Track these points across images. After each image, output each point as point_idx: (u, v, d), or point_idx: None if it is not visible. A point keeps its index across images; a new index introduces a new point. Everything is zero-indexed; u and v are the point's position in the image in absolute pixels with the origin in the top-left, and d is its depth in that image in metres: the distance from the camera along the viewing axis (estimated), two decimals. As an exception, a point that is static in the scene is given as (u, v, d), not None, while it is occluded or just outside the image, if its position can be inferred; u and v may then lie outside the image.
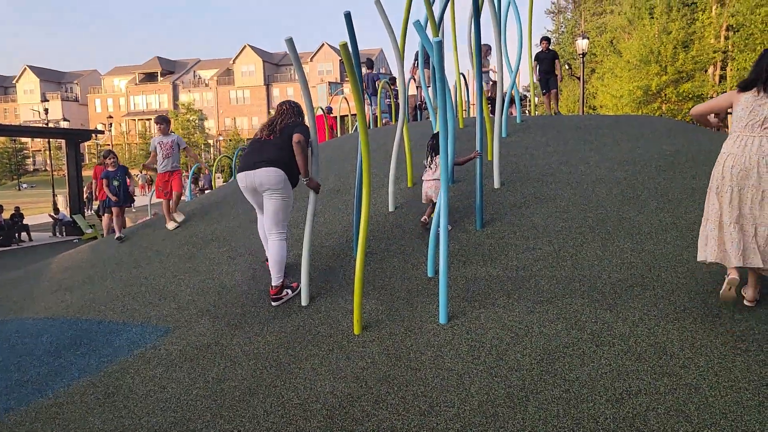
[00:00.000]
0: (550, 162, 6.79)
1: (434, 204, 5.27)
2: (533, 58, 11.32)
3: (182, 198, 8.27)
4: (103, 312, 5.23)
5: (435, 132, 5.64)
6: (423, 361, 3.57)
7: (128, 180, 8.22)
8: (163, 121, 7.64)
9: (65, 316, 5.30)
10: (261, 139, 4.82)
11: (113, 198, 7.93)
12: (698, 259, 3.77)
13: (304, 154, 4.64)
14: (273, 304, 4.70)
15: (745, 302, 3.69)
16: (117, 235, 7.73)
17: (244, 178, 4.76)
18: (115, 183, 7.95)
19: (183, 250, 6.44)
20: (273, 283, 4.68)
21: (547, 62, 11.81)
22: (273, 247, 4.71)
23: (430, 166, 5.46)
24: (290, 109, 4.95)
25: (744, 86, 3.67)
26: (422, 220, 5.45)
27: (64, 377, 4.19)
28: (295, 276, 5.00)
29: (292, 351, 3.96)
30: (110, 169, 8.07)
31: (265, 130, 4.85)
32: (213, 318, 4.68)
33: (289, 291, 4.79)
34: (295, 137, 4.60)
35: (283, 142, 4.69)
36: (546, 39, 12.06)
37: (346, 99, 16.03)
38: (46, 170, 67.31)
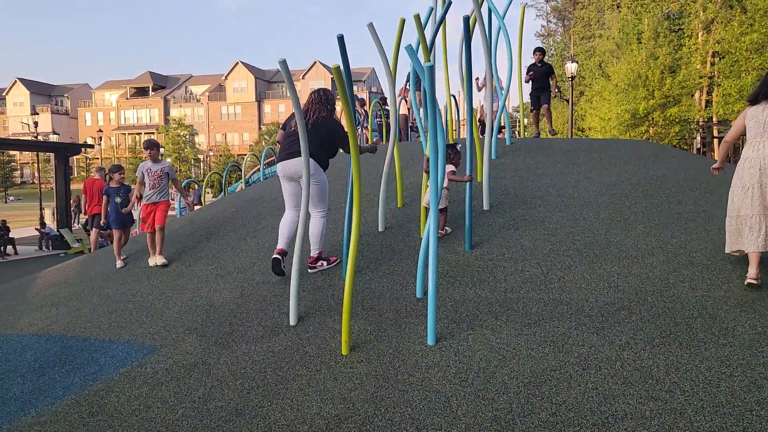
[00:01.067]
0: (539, 185, 6.85)
1: (441, 212, 5.58)
2: (526, 70, 10.69)
3: (172, 212, 8.17)
4: (88, 329, 5.18)
5: (451, 144, 5.95)
6: (411, 382, 3.57)
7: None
8: (152, 146, 6.81)
9: (50, 333, 5.25)
10: (294, 131, 5.28)
11: (104, 217, 7.46)
12: (726, 251, 4.54)
13: (345, 145, 5.30)
14: (309, 271, 5.46)
15: (749, 281, 4.17)
16: (118, 262, 6.97)
17: (281, 168, 5.38)
18: (117, 200, 7.39)
19: (171, 267, 6.42)
20: (311, 254, 5.44)
21: (540, 76, 10.50)
22: (313, 223, 5.40)
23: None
24: (319, 100, 5.44)
25: (751, 101, 4.46)
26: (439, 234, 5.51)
27: (47, 395, 4.14)
28: (335, 252, 5.79)
29: (279, 371, 3.95)
30: (113, 185, 7.51)
31: (290, 124, 5.48)
32: (200, 336, 4.65)
33: (325, 263, 5.52)
34: (332, 136, 5.33)
35: (313, 134, 5.18)
36: (540, 50, 10.53)
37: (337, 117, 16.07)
38: (33, 183, 66.87)
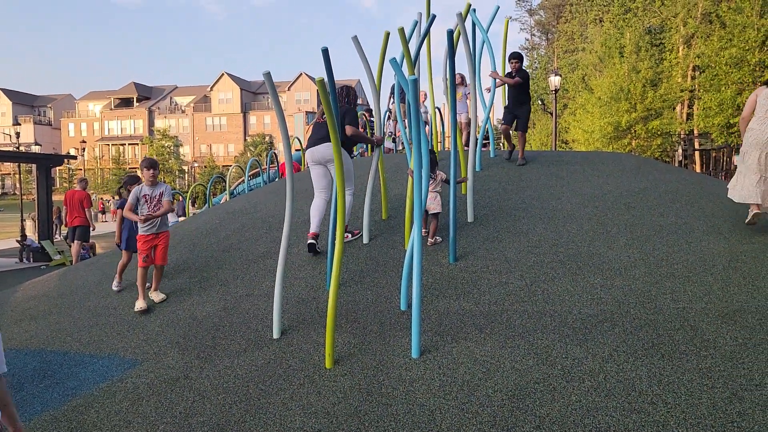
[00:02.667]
0: (523, 197, 6.89)
1: (432, 216, 5.82)
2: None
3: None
4: (68, 343, 5.10)
5: (429, 148, 6.03)
6: (395, 396, 3.55)
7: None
8: (152, 165, 5.83)
9: (29, 347, 5.16)
10: (319, 122, 6.03)
11: (117, 236, 6.42)
12: (728, 196, 5.58)
13: (358, 136, 6.13)
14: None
15: (748, 222, 5.39)
16: (115, 283, 6.34)
17: (310, 154, 6.01)
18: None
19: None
20: None
21: (516, 87, 8.21)
22: (319, 203, 6.03)
23: (431, 180, 5.81)
24: (341, 94, 6.13)
25: (766, 83, 5.59)
26: (428, 242, 5.85)
27: (25, 411, 4.06)
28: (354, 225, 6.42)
29: (262, 385, 3.91)
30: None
31: (323, 116, 5.94)
32: (182, 350, 4.60)
33: (350, 235, 6.11)
34: (348, 130, 5.88)
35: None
36: (516, 56, 8.24)
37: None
38: (15, 194, 66.01)
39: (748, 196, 5.38)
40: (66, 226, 12.35)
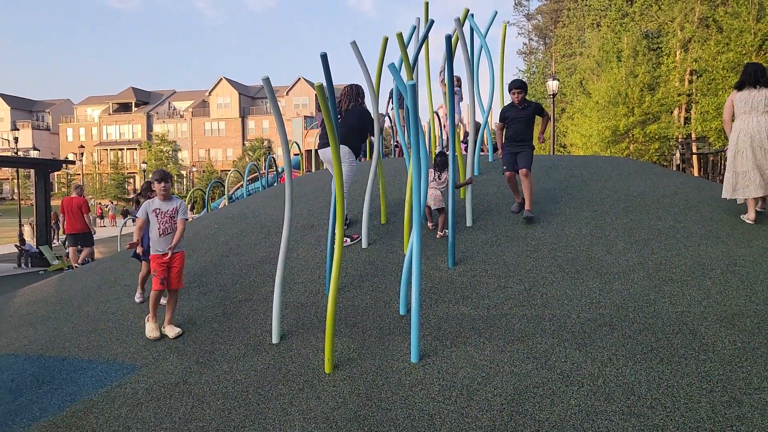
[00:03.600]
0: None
1: (439, 211, 6.12)
2: (500, 118, 6.65)
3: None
4: (67, 348, 5.09)
5: (439, 151, 6.77)
6: (394, 401, 3.55)
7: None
8: (164, 178, 5.19)
9: (28, 353, 5.15)
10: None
11: (139, 244, 5.43)
12: (727, 197, 5.99)
13: (371, 128, 6.33)
14: None
15: (748, 221, 5.80)
16: (139, 296, 5.92)
17: (321, 154, 6.36)
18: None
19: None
20: None
21: (521, 122, 6.31)
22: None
23: (435, 180, 6.19)
24: (350, 93, 6.34)
25: (738, 87, 5.96)
26: (438, 235, 6.13)
27: (24, 417, 4.05)
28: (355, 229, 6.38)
29: (261, 390, 3.91)
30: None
31: (336, 115, 6.07)
32: (181, 355, 4.60)
33: (348, 239, 6.17)
34: (374, 141, 6.26)
35: (345, 124, 6.14)
36: (519, 86, 6.40)
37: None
38: (13, 199, 65.96)
39: (750, 194, 5.79)
40: (64, 232, 12.36)
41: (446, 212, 5.91)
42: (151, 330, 4.98)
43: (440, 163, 6.25)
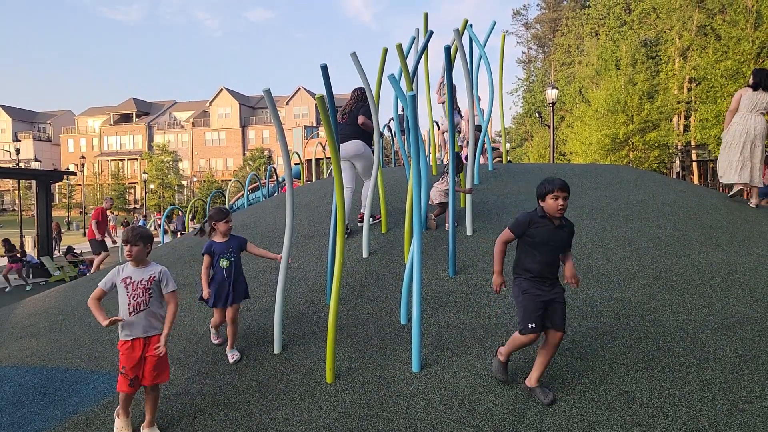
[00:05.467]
0: (521, 210, 6.90)
1: (441, 206, 6.63)
2: (516, 229, 3.60)
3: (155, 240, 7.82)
4: (69, 360, 5.10)
5: (457, 152, 6.95)
6: (395, 410, 3.56)
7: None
8: (139, 239, 3.95)
9: (30, 364, 5.15)
10: (340, 122, 6.77)
11: (206, 291, 4.62)
12: (721, 181, 7.07)
13: (368, 126, 6.73)
14: (358, 224, 6.98)
15: (751, 205, 6.92)
16: (216, 337, 4.93)
17: (341, 149, 6.72)
18: (224, 264, 4.65)
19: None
20: (361, 211, 6.86)
21: (556, 248, 3.60)
22: (364, 187, 6.97)
23: (442, 179, 6.69)
24: (357, 96, 6.92)
25: (753, 87, 6.88)
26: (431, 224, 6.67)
27: (26, 429, 4.05)
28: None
29: (263, 400, 3.91)
30: (218, 239, 4.73)
31: (343, 116, 6.88)
32: (183, 366, 4.60)
33: (372, 219, 6.71)
34: (360, 119, 6.71)
35: (351, 119, 6.81)
36: (565, 189, 3.52)
37: (321, 144, 16.18)
38: (14, 210, 65.99)
39: (738, 179, 6.87)
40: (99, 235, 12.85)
41: (446, 206, 6.37)
42: (120, 428, 3.79)
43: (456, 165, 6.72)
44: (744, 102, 6.85)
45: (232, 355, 4.55)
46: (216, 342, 4.90)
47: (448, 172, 6.51)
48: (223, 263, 4.64)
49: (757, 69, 7.08)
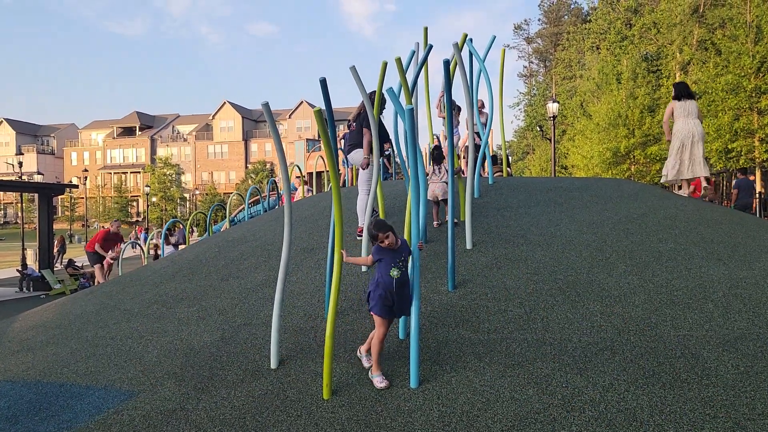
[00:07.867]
0: (521, 223, 6.89)
1: (443, 203, 6.76)
2: None
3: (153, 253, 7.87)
4: (65, 374, 5.06)
5: (435, 145, 7.42)
6: (393, 427, 3.51)
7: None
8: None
9: (25, 379, 5.11)
10: (351, 131, 7.09)
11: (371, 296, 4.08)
12: (662, 181, 9.13)
13: (368, 142, 6.68)
14: (357, 238, 6.86)
15: (682, 193, 8.62)
16: (366, 359, 4.29)
17: (350, 158, 7.18)
18: (394, 273, 3.99)
19: (151, 310, 6.32)
20: (359, 225, 6.89)
21: None
22: (359, 198, 6.92)
23: (436, 173, 6.78)
24: (364, 106, 6.74)
25: (675, 98, 8.75)
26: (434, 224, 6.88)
27: (19, 445, 4.01)
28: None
29: (259, 417, 3.87)
30: (386, 245, 4.04)
31: (351, 124, 7.15)
32: (179, 381, 4.56)
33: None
34: (365, 134, 6.64)
35: (358, 127, 6.87)
36: None
37: (322, 157, 16.21)
38: (17, 223, 66.11)
39: (678, 175, 8.67)
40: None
41: (446, 203, 6.43)
42: None
43: (437, 156, 6.84)
44: (677, 111, 8.63)
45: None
46: (368, 365, 4.20)
47: (437, 163, 6.81)
48: (394, 273, 4.00)
49: (675, 83, 9.03)
